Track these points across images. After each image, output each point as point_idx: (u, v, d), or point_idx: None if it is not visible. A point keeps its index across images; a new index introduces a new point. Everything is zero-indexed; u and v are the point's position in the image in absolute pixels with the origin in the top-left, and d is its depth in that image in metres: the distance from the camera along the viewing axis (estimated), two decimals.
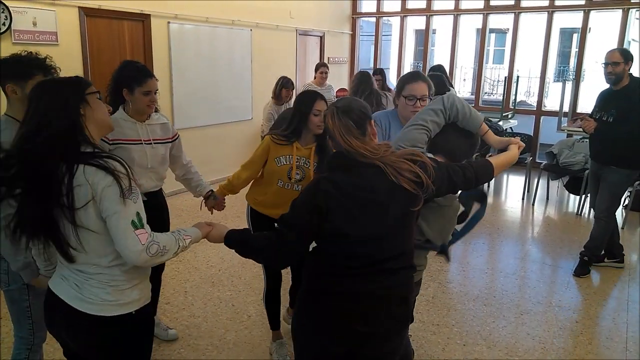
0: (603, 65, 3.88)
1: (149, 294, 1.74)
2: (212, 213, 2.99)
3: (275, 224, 1.67)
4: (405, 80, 2.51)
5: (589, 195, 4.62)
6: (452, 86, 5.16)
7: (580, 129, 6.48)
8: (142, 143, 2.56)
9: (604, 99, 3.96)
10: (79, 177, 1.49)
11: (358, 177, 1.60)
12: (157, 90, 2.59)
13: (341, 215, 1.58)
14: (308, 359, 1.78)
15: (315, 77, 6.37)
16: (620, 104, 3.74)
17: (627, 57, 3.77)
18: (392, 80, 8.37)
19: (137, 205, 1.55)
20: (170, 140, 2.73)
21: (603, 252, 4.21)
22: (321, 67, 6.18)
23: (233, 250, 1.74)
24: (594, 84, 10.52)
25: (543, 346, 3.09)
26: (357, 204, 1.59)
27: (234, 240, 1.72)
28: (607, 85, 3.95)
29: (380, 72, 6.59)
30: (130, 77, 2.50)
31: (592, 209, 4.39)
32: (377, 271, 1.65)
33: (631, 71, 3.85)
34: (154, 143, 2.62)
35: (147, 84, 2.51)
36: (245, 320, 3.31)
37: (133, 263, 1.53)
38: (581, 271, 4.07)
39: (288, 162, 2.58)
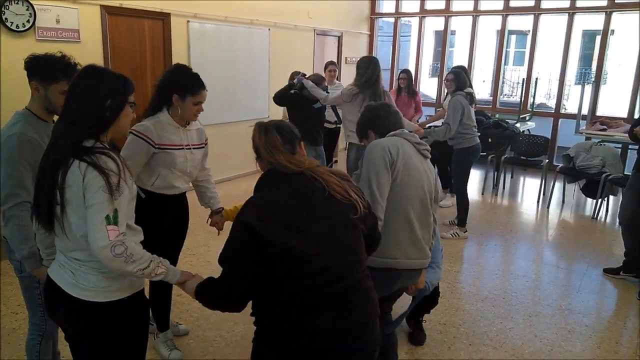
0: None
1: (141, 282, 1.78)
2: (217, 228, 2.91)
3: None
4: None
5: (620, 205, 4.30)
6: (471, 86, 5.13)
7: (600, 132, 6.48)
8: (183, 148, 2.59)
9: None
10: (71, 176, 1.56)
11: (291, 187, 1.56)
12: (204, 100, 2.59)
13: (281, 229, 1.47)
14: None
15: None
16: None
17: None
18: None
19: (120, 203, 1.58)
20: (204, 145, 2.77)
21: (622, 264, 4.11)
22: (329, 66, 6.17)
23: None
24: (616, 87, 10.37)
25: (550, 349, 3.09)
26: (298, 212, 1.52)
27: (197, 291, 1.64)
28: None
29: (406, 72, 6.59)
30: (185, 84, 2.49)
31: (620, 224, 4.18)
32: (337, 293, 1.52)
33: None
34: (193, 148, 2.66)
35: (201, 94, 2.52)
36: None
37: (97, 256, 1.55)
38: None
39: None
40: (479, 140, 4.89)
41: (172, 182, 2.62)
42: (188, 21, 5.84)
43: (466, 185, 4.93)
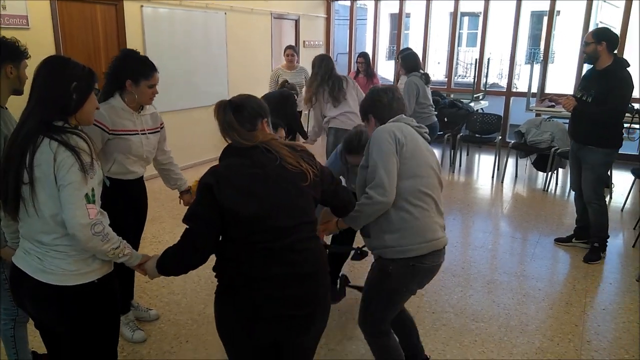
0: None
1: (110, 264, 1.81)
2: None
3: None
4: None
5: (569, 174, 4.50)
6: (421, 68, 5.26)
7: (548, 109, 6.77)
8: (138, 134, 2.61)
9: (586, 79, 3.95)
10: (40, 154, 1.58)
11: (248, 159, 1.70)
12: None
13: (235, 193, 1.62)
14: (237, 356, 1.80)
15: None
16: (600, 84, 3.74)
17: (600, 37, 3.73)
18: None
19: (94, 182, 1.61)
20: (159, 129, 2.80)
21: (573, 232, 4.34)
22: (287, 50, 6.19)
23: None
24: (564, 66, 10.81)
25: (507, 312, 3.28)
26: (251, 180, 1.66)
27: (159, 263, 1.75)
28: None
29: (363, 56, 6.68)
30: (136, 69, 2.51)
31: (572, 190, 4.39)
32: (286, 245, 1.66)
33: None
34: (148, 133, 2.68)
35: (154, 77, 2.55)
36: None
37: (76, 235, 1.58)
38: (591, 257, 4.03)
39: None
40: (436, 119, 5.06)
41: (129, 167, 2.64)
42: (142, 6, 5.71)
43: None
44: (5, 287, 2.17)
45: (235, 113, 1.73)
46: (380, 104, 2.27)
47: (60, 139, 1.58)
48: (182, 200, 3.02)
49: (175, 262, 1.73)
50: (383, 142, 2.08)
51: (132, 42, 5.66)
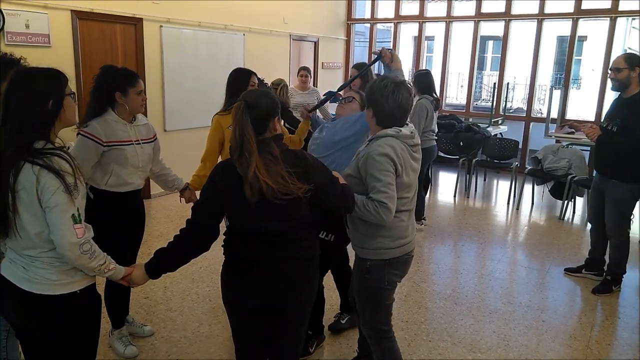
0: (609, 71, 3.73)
1: (93, 275, 1.83)
2: (193, 201, 2.99)
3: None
4: None
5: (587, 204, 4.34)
6: (435, 92, 5.21)
7: (568, 135, 6.63)
8: (132, 144, 2.68)
9: (614, 108, 3.75)
10: (23, 178, 1.60)
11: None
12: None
13: (239, 194, 1.78)
14: (237, 319, 2.02)
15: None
16: (626, 113, 3.54)
17: (633, 62, 3.53)
18: None
19: (78, 202, 1.65)
20: (153, 139, 2.86)
21: (584, 263, 4.19)
22: (300, 71, 6.23)
23: (215, 248, 1.97)
24: (591, 92, 10.61)
25: (507, 343, 3.18)
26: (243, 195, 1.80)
27: (154, 263, 1.93)
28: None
29: (358, 67, 6.59)
30: (121, 80, 2.60)
31: (589, 222, 4.24)
32: (283, 241, 1.89)
33: None
34: (142, 143, 2.75)
35: (139, 83, 2.65)
36: (220, 315, 3.40)
37: (65, 255, 1.64)
38: (601, 289, 3.88)
39: None
40: (435, 144, 5.21)
41: (126, 179, 2.69)
42: (161, 26, 5.87)
43: (422, 182, 5.19)
44: None
45: (249, 113, 1.82)
46: (383, 109, 2.19)
47: (42, 162, 1.60)
48: (182, 199, 3.08)
49: (176, 254, 1.94)
50: (384, 168, 2.11)
51: (151, 61, 5.82)
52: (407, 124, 2.27)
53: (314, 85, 6.42)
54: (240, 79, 3.16)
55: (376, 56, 2.82)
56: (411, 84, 5.06)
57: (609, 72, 3.74)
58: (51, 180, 1.59)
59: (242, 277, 1.92)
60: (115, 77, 2.61)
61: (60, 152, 1.66)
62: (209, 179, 1.89)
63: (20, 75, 1.68)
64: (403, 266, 2.35)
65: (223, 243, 1.96)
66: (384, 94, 2.16)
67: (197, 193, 2.32)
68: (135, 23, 5.62)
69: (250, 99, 1.84)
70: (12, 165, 1.61)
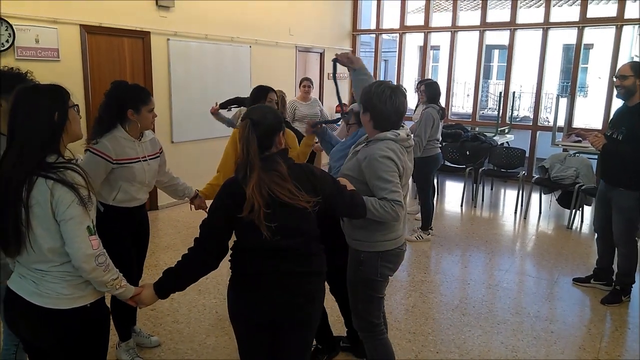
0: (614, 79, 3.72)
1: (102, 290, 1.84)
2: (203, 209, 3.02)
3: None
4: None
5: (594, 213, 4.28)
6: (438, 102, 5.27)
7: (574, 144, 6.61)
8: (140, 161, 2.69)
9: (618, 116, 3.75)
10: (37, 192, 1.61)
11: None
12: None
13: (240, 224, 1.80)
14: (243, 334, 2.02)
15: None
16: (631, 121, 3.53)
17: (639, 70, 3.52)
18: None
19: (92, 214, 1.68)
20: (159, 153, 2.88)
21: (592, 273, 4.17)
22: (303, 82, 6.25)
23: (222, 261, 1.96)
24: (598, 100, 10.59)
25: (515, 355, 3.15)
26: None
27: (162, 283, 1.93)
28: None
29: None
30: (135, 97, 2.61)
31: (595, 231, 4.20)
32: (291, 250, 1.89)
33: None
34: (149, 159, 2.76)
35: (152, 101, 2.67)
36: (227, 327, 3.40)
37: (81, 267, 1.65)
38: (610, 299, 3.86)
39: None
40: (440, 151, 5.29)
41: (134, 195, 2.71)
42: (168, 39, 5.94)
43: (428, 191, 5.26)
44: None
45: (255, 130, 1.82)
46: (381, 113, 2.23)
47: (55, 177, 1.62)
48: (193, 207, 3.07)
49: (185, 273, 1.93)
50: (391, 170, 2.18)
51: (158, 74, 5.88)
52: (402, 126, 2.33)
53: (320, 96, 6.44)
54: (258, 96, 3.19)
55: (333, 64, 2.86)
56: (421, 91, 5.14)
57: (615, 79, 3.73)
58: (65, 194, 1.62)
59: (249, 292, 1.93)
60: (127, 93, 2.62)
61: (72, 165, 1.69)
62: (216, 196, 1.91)
63: (24, 91, 1.70)
64: (395, 259, 2.39)
65: (230, 258, 1.97)
66: (382, 99, 2.21)
67: (208, 202, 2.32)
68: (143, 36, 5.69)
69: (255, 117, 1.86)
70: (25, 181, 1.62)
